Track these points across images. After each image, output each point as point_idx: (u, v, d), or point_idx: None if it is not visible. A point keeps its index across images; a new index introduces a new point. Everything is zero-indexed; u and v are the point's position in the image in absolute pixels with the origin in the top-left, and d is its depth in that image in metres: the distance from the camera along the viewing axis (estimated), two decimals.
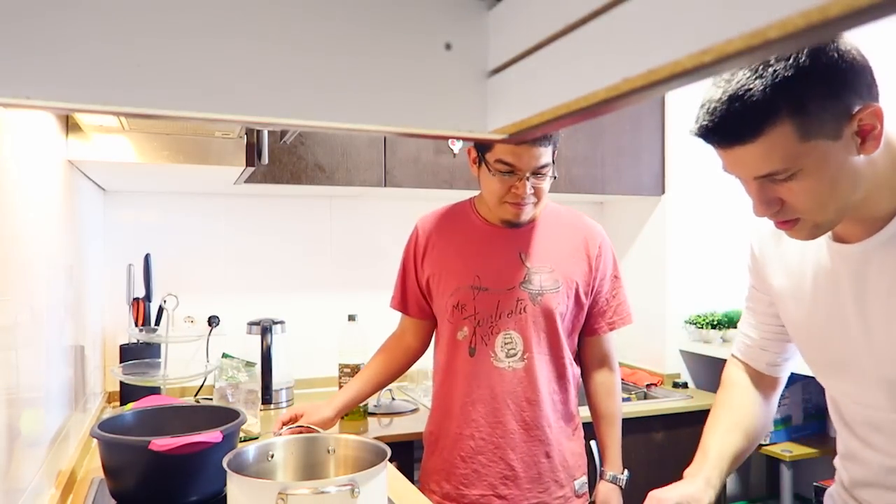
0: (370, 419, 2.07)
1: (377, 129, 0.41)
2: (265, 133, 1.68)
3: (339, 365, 2.24)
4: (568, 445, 1.58)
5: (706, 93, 0.88)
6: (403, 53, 0.40)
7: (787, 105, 0.80)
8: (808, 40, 0.25)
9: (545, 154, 1.46)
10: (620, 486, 1.61)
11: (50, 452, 1.32)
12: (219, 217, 2.42)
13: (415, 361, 1.75)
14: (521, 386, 1.53)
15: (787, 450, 2.30)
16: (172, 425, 1.39)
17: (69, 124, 1.52)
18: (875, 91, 0.86)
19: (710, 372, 2.62)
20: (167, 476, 1.27)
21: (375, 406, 2.19)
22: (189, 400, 2.15)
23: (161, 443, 1.22)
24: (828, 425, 2.44)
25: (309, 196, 2.49)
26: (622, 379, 2.53)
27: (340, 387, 2.23)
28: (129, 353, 2.12)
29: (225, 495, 1.13)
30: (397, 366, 1.72)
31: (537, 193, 1.50)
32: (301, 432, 1.48)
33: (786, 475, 2.30)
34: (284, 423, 1.56)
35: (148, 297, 2.17)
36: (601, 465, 1.64)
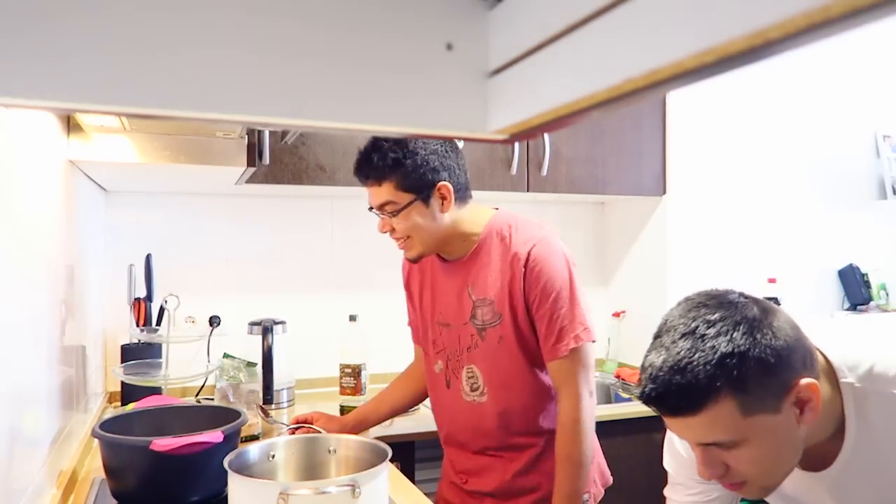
0: None
1: (378, 130, 0.41)
2: (266, 133, 1.68)
3: (341, 365, 2.24)
4: (549, 461, 1.46)
5: (648, 355, 0.91)
6: (404, 54, 0.40)
7: (727, 383, 0.83)
8: (810, 40, 0.25)
9: (379, 193, 1.43)
10: None
11: (51, 452, 1.32)
12: (220, 217, 2.42)
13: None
14: (487, 418, 1.50)
15: None
16: (173, 425, 1.39)
17: (70, 124, 1.52)
18: (809, 361, 0.89)
19: None
20: (168, 476, 1.27)
21: (379, 423, 2.19)
22: (190, 400, 2.15)
23: (162, 443, 1.22)
24: None
25: (310, 196, 2.49)
26: (623, 379, 2.54)
27: (341, 387, 2.23)
28: (130, 353, 2.12)
29: (226, 495, 1.13)
30: (411, 394, 1.77)
31: (398, 232, 1.45)
32: (306, 432, 1.49)
33: None
34: (298, 422, 1.63)
35: (149, 297, 2.17)
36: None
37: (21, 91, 0.34)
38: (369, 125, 0.40)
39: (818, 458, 0.97)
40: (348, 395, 2.19)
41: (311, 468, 1.27)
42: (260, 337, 2.21)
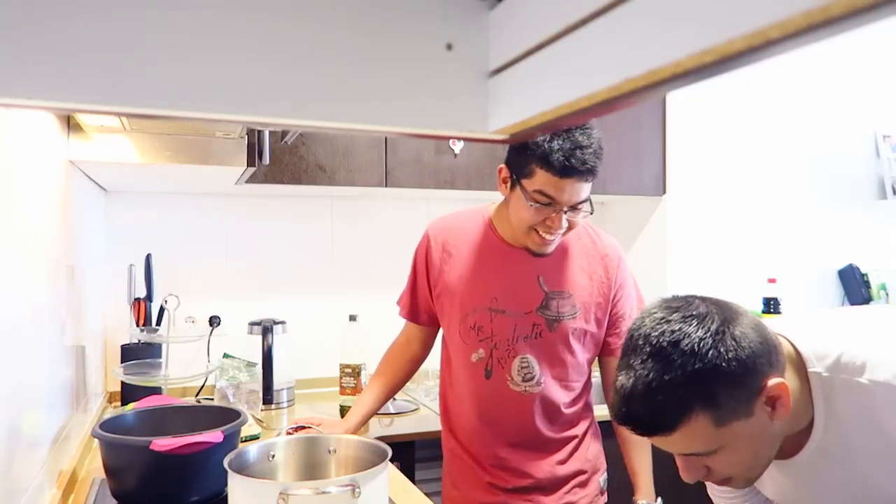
0: (371, 419, 2.07)
1: (378, 130, 0.41)
2: (266, 133, 1.68)
3: (341, 365, 2.24)
4: (585, 448, 1.58)
5: (619, 376, 0.92)
6: (404, 54, 0.40)
7: (698, 400, 0.86)
8: (810, 40, 0.25)
9: (586, 189, 1.38)
10: None
11: (51, 452, 1.32)
12: (220, 217, 2.42)
13: (419, 368, 1.75)
14: (537, 408, 1.51)
15: None
16: (173, 425, 1.39)
17: (70, 124, 1.52)
18: (775, 359, 0.90)
19: None
20: (168, 476, 1.27)
21: (379, 410, 2.19)
22: (190, 400, 2.15)
23: (162, 443, 1.22)
24: None
25: (310, 196, 2.49)
26: None
27: (341, 387, 2.23)
28: (130, 354, 2.12)
29: (226, 495, 1.13)
30: (403, 377, 1.71)
31: (570, 227, 1.42)
32: (307, 432, 1.49)
33: None
34: (297, 424, 1.61)
35: (149, 297, 2.17)
36: (633, 493, 1.56)
37: (21, 91, 0.34)
38: (369, 125, 0.40)
39: (792, 447, 0.99)
40: (348, 395, 2.19)
41: (311, 468, 1.27)
42: (260, 337, 2.21)
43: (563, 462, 1.54)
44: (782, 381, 0.89)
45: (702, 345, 0.85)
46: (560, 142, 1.33)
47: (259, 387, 2.11)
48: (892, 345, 0.94)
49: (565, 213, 1.38)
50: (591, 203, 1.42)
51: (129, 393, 2.03)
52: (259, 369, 2.16)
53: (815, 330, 1.00)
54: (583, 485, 1.56)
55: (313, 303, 2.50)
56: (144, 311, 2.17)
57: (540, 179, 1.35)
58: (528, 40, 0.37)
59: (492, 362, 1.50)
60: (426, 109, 0.41)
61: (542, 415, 1.52)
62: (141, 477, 1.28)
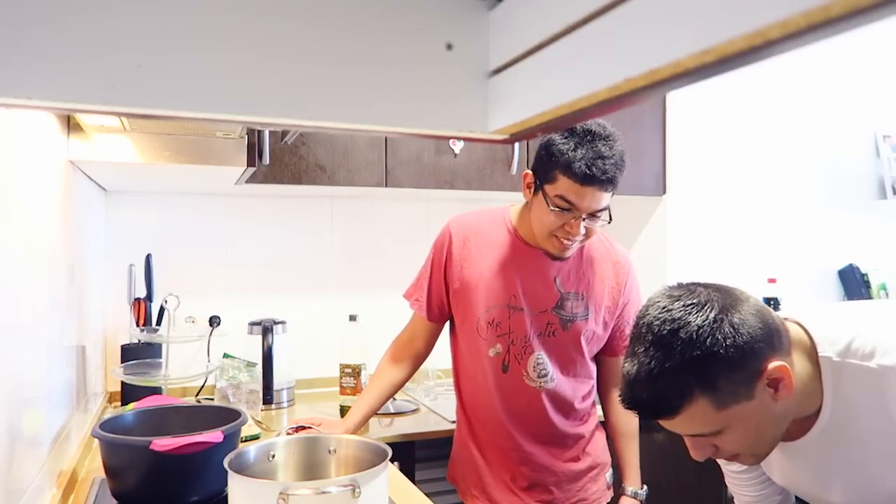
0: (371, 419, 2.07)
1: (378, 130, 0.41)
2: (266, 133, 1.68)
3: (341, 365, 2.24)
4: (595, 444, 1.65)
5: (624, 363, 0.97)
6: (404, 54, 0.40)
7: (698, 387, 0.89)
8: (810, 40, 0.25)
9: (606, 198, 1.43)
10: (641, 501, 1.65)
11: (51, 452, 1.32)
12: (220, 217, 2.42)
13: (420, 366, 1.75)
14: (551, 403, 1.57)
15: None
16: (173, 425, 1.39)
17: (70, 124, 1.52)
18: (777, 342, 0.93)
19: None
20: (168, 476, 1.27)
21: (380, 409, 2.19)
22: (190, 400, 2.15)
23: (162, 443, 1.22)
24: None
25: (310, 196, 2.49)
26: None
27: (341, 387, 2.23)
28: (130, 354, 2.12)
29: (226, 495, 1.13)
30: (405, 375, 1.72)
31: (588, 234, 1.48)
32: (307, 432, 1.49)
33: None
34: (297, 424, 1.62)
35: (149, 297, 2.17)
36: (621, 481, 1.66)
37: (21, 91, 0.34)
38: (369, 125, 0.40)
39: (801, 430, 1.01)
40: (348, 395, 2.19)
41: (311, 468, 1.27)
42: (260, 337, 2.21)
43: (577, 459, 1.61)
44: (783, 363, 0.91)
45: (700, 332, 0.88)
46: (584, 151, 1.38)
47: (259, 387, 2.11)
48: None
49: (584, 220, 1.44)
50: (609, 212, 1.47)
51: (129, 393, 2.03)
52: (259, 369, 2.16)
53: (827, 316, 1.02)
54: (594, 480, 1.63)
55: (313, 303, 2.50)
56: (144, 311, 2.17)
57: (562, 186, 1.41)
58: (528, 40, 0.37)
59: (509, 358, 1.55)
60: (426, 109, 0.41)
61: (556, 410, 1.58)
62: (141, 477, 1.28)
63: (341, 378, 2.23)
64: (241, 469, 1.14)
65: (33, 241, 1.21)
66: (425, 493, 1.47)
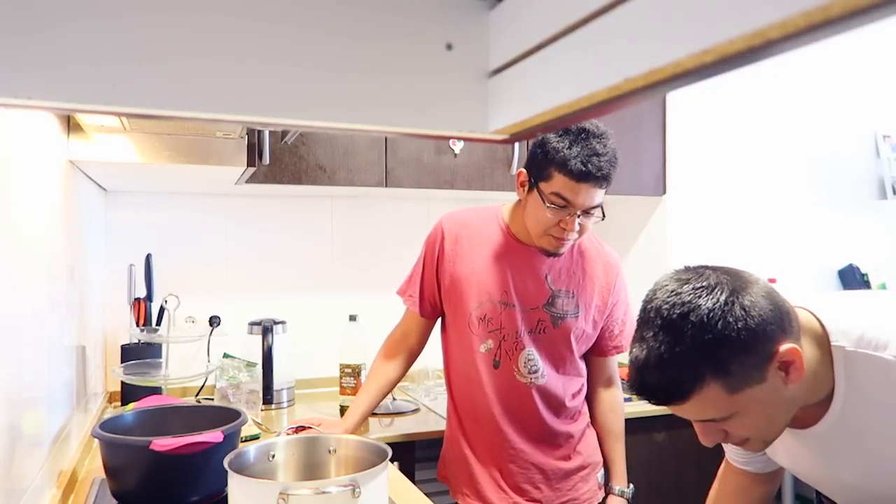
0: (371, 419, 2.07)
1: (378, 130, 0.41)
2: (266, 133, 1.68)
3: (341, 365, 2.24)
4: (586, 444, 1.65)
5: (633, 349, 0.95)
6: (404, 54, 0.40)
7: (709, 370, 0.87)
8: (810, 40, 0.25)
9: (600, 195, 1.46)
10: (628, 500, 1.67)
11: (51, 452, 1.32)
12: (220, 217, 2.42)
13: (414, 362, 1.75)
14: (542, 400, 1.58)
15: None
16: (173, 425, 1.39)
17: (70, 125, 1.52)
18: (787, 325, 0.92)
19: None
20: (168, 476, 1.27)
21: (378, 407, 2.19)
22: (190, 400, 2.15)
23: (162, 443, 1.22)
24: None
25: (310, 196, 2.49)
26: (623, 378, 2.54)
27: (341, 387, 2.23)
28: (130, 354, 2.12)
29: (226, 495, 1.13)
30: (401, 372, 1.72)
31: (581, 230, 1.50)
32: (307, 432, 1.49)
33: (787, 474, 2.30)
34: (297, 424, 1.62)
35: (149, 297, 2.17)
36: (608, 480, 1.68)
37: (21, 91, 0.34)
38: (369, 125, 0.40)
39: (812, 417, 1.01)
40: (348, 395, 2.19)
41: (311, 468, 1.27)
42: (260, 337, 2.21)
43: (567, 458, 1.61)
44: (794, 346, 0.90)
45: (711, 316, 0.87)
46: (578, 148, 1.41)
47: (259, 387, 2.11)
48: None
49: (578, 216, 1.46)
50: (602, 210, 1.49)
51: (129, 393, 2.03)
52: (259, 369, 2.16)
53: (841, 306, 1.02)
54: (584, 480, 1.63)
55: (313, 303, 2.50)
56: (144, 311, 2.17)
57: (557, 183, 1.43)
58: (528, 40, 0.37)
59: (500, 353, 1.57)
60: (426, 110, 0.41)
61: (547, 407, 1.58)
62: (141, 477, 1.28)
63: (341, 378, 2.23)
64: (241, 469, 1.14)
65: (33, 241, 1.21)
66: (425, 493, 1.47)
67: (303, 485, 1.07)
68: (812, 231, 2.74)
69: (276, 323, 2.25)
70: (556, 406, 1.60)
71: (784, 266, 2.64)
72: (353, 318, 2.28)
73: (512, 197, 2.47)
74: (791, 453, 1.10)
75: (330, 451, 1.27)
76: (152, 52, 0.36)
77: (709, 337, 0.86)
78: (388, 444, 1.20)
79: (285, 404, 2.24)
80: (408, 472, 1.76)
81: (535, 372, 1.57)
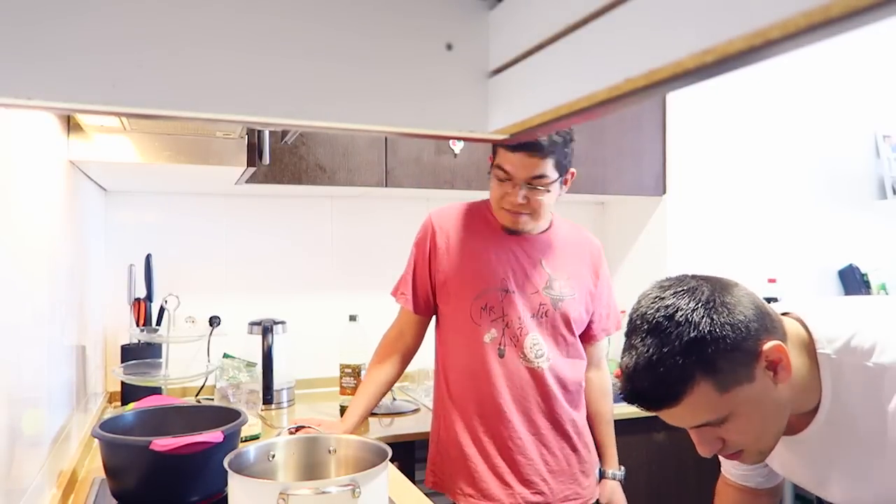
0: (371, 419, 2.07)
1: (378, 130, 0.41)
2: (266, 133, 1.68)
3: (341, 365, 2.24)
4: (586, 436, 1.67)
5: (623, 357, 0.96)
6: (404, 54, 0.40)
7: (698, 368, 0.88)
8: (810, 40, 0.25)
9: (540, 165, 1.49)
10: (621, 481, 1.69)
11: (51, 452, 1.32)
12: (220, 217, 2.42)
13: (411, 360, 1.75)
14: (548, 385, 1.59)
15: None
16: (173, 425, 1.39)
17: (70, 125, 1.52)
18: (770, 324, 0.93)
19: None
20: (168, 476, 1.27)
21: (376, 406, 2.19)
22: (190, 400, 2.15)
23: (162, 443, 1.22)
24: None
25: (310, 196, 2.49)
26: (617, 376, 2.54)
27: (341, 387, 2.23)
28: (130, 354, 2.12)
29: (226, 495, 1.13)
30: (398, 371, 1.72)
31: (530, 205, 1.52)
32: (306, 432, 1.49)
33: None
34: (296, 424, 1.62)
35: (149, 298, 2.17)
36: (601, 464, 1.69)
37: (21, 91, 0.34)
38: (369, 125, 0.40)
39: (801, 426, 1.01)
40: (348, 395, 2.19)
41: (311, 468, 1.27)
42: (260, 337, 2.21)
43: (574, 448, 1.62)
44: (779, 343, 0.91)
45: (694, 314, 0.89)
46: None
47: (259, 387, 2.11)
48: None
49: (522, 188, 1.50)
50: (553, 184, 1.52)
51: (129, 393, 2.03)
52: (259, 369, 2.16)
53: (827, 313, 1.02)
54: (586, 474, 1.64)
55: (313, 303, 2.50)
56: (144, 311, 2.17)
57: (499, 157, 1.52)
58: (528, 40, 0.37)
59: (505, 341, 1.58)
60: (426, 109, 0.41)
61: (558, 387, 1.60)
62: (141, 477, 1.28)
63: (341, 378, 2.23)
64: (241, 469, 1.14)
65: (34, 241, 1.21)
66: (425, 493, 1.47)
67: (303, 485, 1.07)
68: (812, 231, 2.74)
69: (276, 323, 2.25)
70: (565, 388, 1.61)
71: (784, 266, 2.64)
72: (353, 318, 2.28)
73: None
74: (783, 458, 1.11)
75: (330, 451, 1.27)
76: (152, 51, 0.36)
77: (694, 334, 0.88)
78: (388, 444, 1.20)
79: (285, 404, 2.24)
80: (408, 472, 1.76)
81: (542, 356, 1.58)
